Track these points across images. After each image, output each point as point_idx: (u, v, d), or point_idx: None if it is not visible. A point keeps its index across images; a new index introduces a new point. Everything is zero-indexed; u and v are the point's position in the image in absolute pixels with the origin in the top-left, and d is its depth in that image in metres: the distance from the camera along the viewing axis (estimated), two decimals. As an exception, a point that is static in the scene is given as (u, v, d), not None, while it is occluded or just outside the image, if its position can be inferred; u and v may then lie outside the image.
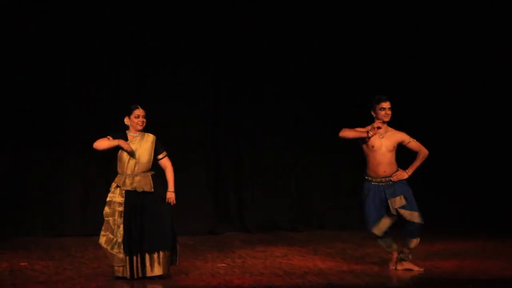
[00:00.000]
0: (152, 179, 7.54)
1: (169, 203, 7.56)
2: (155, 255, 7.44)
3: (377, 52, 11.78)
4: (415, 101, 11.75)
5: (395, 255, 8.02)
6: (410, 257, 7.95)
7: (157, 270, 7.44)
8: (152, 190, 7.51)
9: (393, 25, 11.74)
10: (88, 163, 11.09)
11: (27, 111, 11.03)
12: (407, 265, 7.96)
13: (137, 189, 7.48)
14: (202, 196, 11.52)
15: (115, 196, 7.52)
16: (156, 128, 7.81)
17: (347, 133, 7.90)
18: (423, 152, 7.97)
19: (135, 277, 7.42)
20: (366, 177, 7.98)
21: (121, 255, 7.43)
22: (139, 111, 7.59)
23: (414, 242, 7.89)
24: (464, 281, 7.43)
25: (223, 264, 8.54)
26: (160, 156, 7.64)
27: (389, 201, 7.82)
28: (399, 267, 7.98)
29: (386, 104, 7.87)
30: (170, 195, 7.55)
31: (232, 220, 11.71)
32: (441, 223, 11.55)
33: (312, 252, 9.49)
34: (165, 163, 7.66)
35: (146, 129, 7.67)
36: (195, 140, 11.53)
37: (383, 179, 7.88)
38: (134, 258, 7.42)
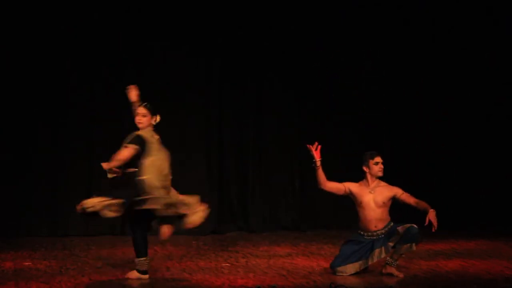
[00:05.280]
0: (135, 180, 7.21)
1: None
2: None
3: (380, 51, 11.78)
4: (415, 103, 11.76)
5: None
6: (396, 263, 7.80)
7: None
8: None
9: (395, 24, 11.75)
10: (92, 163, 11.07)
11: (31, 110, 11.02)
12: (390, 269, 7.80)
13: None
14: (205, 196, 11.36)
15: None
16: (158, 128, 7.72)
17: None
18: (415, 200, 7.65)
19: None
20: (358, 231, 7.83)
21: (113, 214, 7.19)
22: (138, 110, 7.48)
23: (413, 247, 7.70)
24: (468, 281, 7.42)
25: (227, 264, 8.53)
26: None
27: (377, 250, 7.63)
28: (384, 270, 7.88)
29: (379, 159, 7.82)
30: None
31: (235, 219, 11.69)
32: (446, 223, 11.54)
33: (316, 251, 9.48)
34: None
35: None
36: (198, 139, 11.51)
37: (374, 233, 7.74)
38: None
